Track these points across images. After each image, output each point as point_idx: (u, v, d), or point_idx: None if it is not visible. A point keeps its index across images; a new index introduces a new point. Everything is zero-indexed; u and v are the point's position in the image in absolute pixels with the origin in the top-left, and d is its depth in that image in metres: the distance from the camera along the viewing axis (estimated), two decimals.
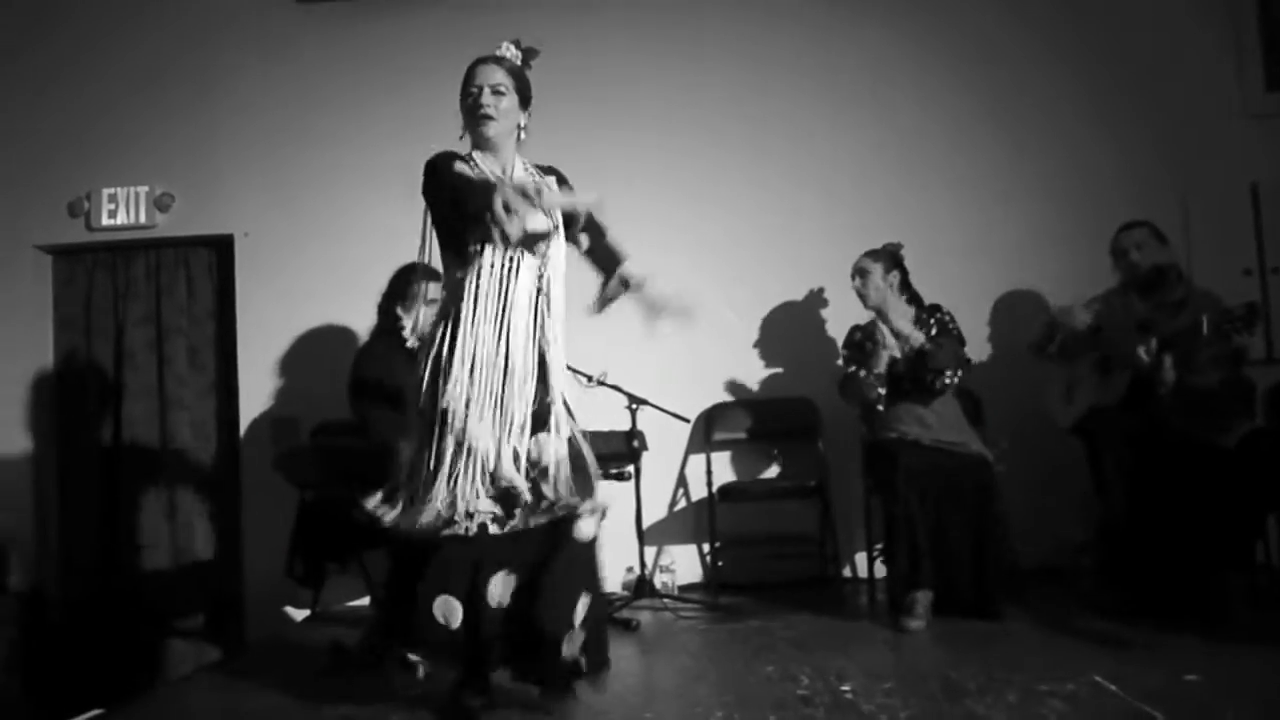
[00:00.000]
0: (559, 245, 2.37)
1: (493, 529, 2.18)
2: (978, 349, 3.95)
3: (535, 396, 2.29)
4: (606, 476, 2.85)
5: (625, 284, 2.42)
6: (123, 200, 4.38)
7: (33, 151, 4.42)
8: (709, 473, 3.95)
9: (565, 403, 2.36)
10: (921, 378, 3.38)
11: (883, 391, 3.42)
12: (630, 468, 3.62)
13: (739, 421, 4.16)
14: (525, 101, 2.42)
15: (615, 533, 3.09)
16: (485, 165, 2.37)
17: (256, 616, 4.12)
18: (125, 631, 4.25)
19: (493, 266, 2.27)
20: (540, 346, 2.31)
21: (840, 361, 3.66)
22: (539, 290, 2.32)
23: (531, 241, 2.27)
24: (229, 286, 4.42)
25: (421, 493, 2.22)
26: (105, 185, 4.39)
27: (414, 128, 4.38)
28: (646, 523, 3.71)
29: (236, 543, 4.27)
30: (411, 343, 3.50)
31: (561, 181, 2.49)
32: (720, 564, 3.97)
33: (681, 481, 4.22)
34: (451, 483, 2.19)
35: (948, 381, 3.38)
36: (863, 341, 3.53)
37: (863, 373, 3.45)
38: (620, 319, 2.48)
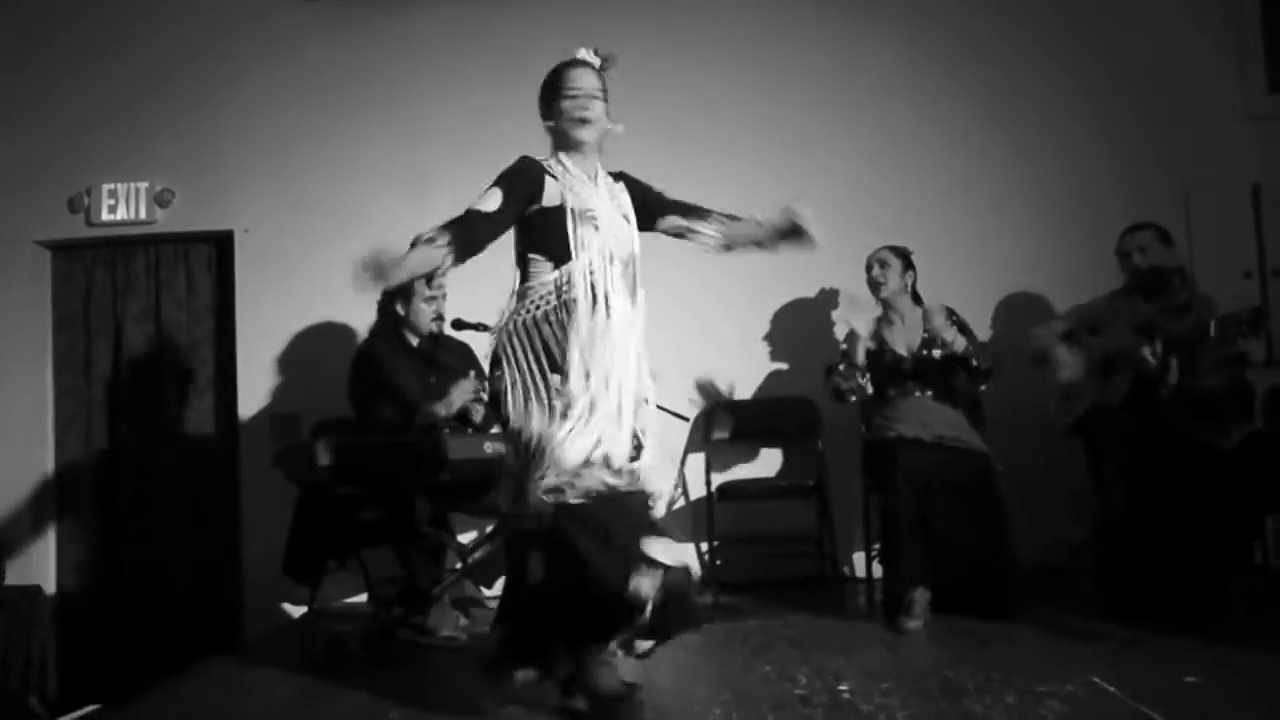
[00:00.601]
0: (634, 236, 2.40)
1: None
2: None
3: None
4: None
5: (786, 230, 2.40)
6: (123, 195, 4.37)
7: (33, 146, 4.41)
8: (708, 471, 3.95)
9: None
10: (948, 378, 3.38)
11: (863, 382, 3.40)
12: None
13: (738, 421, 4.15)
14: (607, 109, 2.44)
15: None
16: (572, 168, 2.39)
17: (255, 613, 4.12)
18: (123, 629, 4.24)
19: (590, 262, 2.29)
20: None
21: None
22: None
23: None
24: (229, 283, 4.41)
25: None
26: (105, 180, 4.38)
27: (415, 125, 4.41)
28: None
29: (235, 539, 4.26)
30: (411, 340, 3.50)
31: (631, 184, 2.52)
32: (719, 563, 3.96)
33: (680, 480, 4.22)
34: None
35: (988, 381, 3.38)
36: (850, 336, 3.53)
37: (841, 366, 3.45)
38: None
